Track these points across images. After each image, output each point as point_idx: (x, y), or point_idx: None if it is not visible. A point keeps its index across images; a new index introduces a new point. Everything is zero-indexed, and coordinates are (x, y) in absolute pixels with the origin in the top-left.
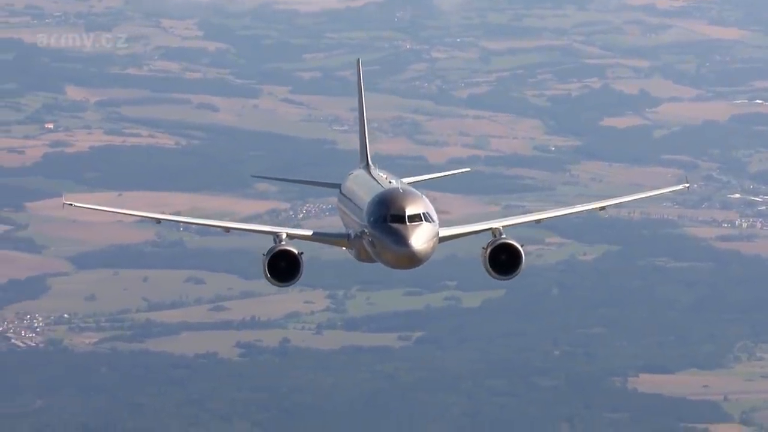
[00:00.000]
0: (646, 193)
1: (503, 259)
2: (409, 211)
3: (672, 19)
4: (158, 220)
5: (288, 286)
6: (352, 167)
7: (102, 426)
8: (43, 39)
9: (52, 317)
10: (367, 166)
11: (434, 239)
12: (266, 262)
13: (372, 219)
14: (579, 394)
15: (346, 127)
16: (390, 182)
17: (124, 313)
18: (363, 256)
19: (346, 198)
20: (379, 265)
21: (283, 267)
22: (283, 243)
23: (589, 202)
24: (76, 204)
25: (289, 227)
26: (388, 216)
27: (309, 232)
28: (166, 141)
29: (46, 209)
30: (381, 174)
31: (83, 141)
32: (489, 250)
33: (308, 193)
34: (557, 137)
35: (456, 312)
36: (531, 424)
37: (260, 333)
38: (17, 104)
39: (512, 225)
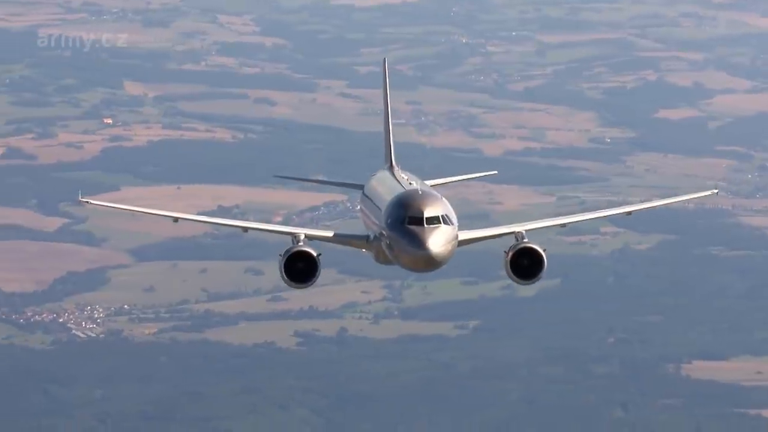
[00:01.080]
0: (673, 198)
1: (525, 263)
2: (428, 213)
3: (726, 12)
4: (175, 219)
5: (304, 287)
6: (403, 159)
7: (161, 414)
8: (101, 35)
9: (113, 308)
10: (390, 168)
11: (453, 242)
12: (283, 262)
13: (390, 221)
14: (633, 380)
15: (402, 120)
16: (411, 184)
17: (184, 304)
18: (381, 258)
19: (367, 199)
20: None
21: (301, 268)
22: (300, 244)
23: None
24: (92, 202)
25: (308, 228)
26: (406, 218)
27: (329, 233)
28: (224, 135)
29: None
30: (403, 175)
31: (141, 135)
32: (510, 254)
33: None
34: (612, 129)
35: (512, 301)
36: (586, 410)
37: (318, 323)
38: (76, 100)
39: (535, 229)
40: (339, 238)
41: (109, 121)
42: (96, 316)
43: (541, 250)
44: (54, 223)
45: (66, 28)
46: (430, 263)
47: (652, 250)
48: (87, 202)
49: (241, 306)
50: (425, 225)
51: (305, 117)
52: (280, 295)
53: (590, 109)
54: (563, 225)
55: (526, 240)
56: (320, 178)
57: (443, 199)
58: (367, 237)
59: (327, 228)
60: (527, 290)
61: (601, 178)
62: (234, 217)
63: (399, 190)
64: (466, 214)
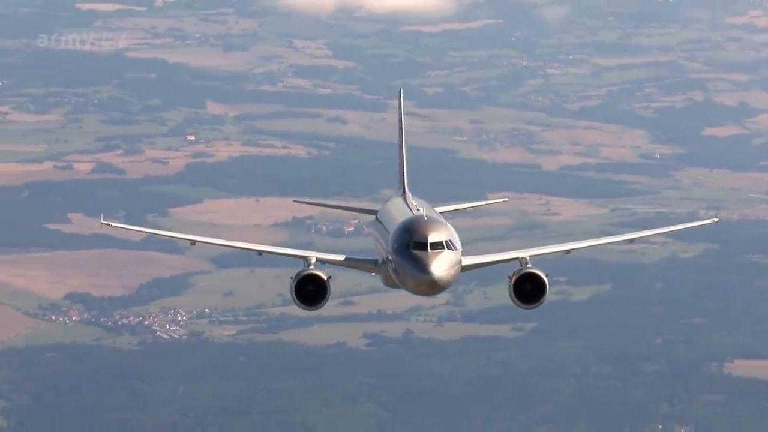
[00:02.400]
0: (674, 227)
1: (528, 288)
2: (432, 238)
3: None
4: (193, 242)
5: (314, 309)
6: (466, 174)
7: (240, 408)
8: (184, 59)
9: (194, 312)
10: (403, 194)
11: (456, 266)
12: (294, 285)
13: (396, 246)
14: (679, 378)
15: (465, 138)
16: (418, 210)
17: (261, 308)
18: (389, 282)
19: (379, 224)
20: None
21: (311, 291)
22: (311, 267)
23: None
24: (113, 224)
25: (320, 251)
26: (411, 243)
27: (340, 257)
28: (299, 151)
29: (188, 214)
30: (413, 202)
31: (222, 151)
32: (514, 279)
33: (430, 197)
34: (662, 146)
35: (566, 305)
36: (634, 405)
37: (385, 325)
38: (161, 119)
39: (539, 255)
40: (349, 262)
41: (192, 138)
42: (179, 318)
43: (543, 276)
44: (140, 233)
45: (152, 52)
46: (433, 287)
47: (698, 258)
48: (108, 224)
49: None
50: (429, 250)
51: (375, 135)
52: (351, 300)
53: (641, 127)
54: (568, 251)
55: (529, 266)
56: (359, 205)
57: (448, 225)
58: (376, 261)
59: (339, 252)
60: (581, 294)
61: (651, 191)
62: (308, 228)
63: (407, 216)
64: (524, 225)
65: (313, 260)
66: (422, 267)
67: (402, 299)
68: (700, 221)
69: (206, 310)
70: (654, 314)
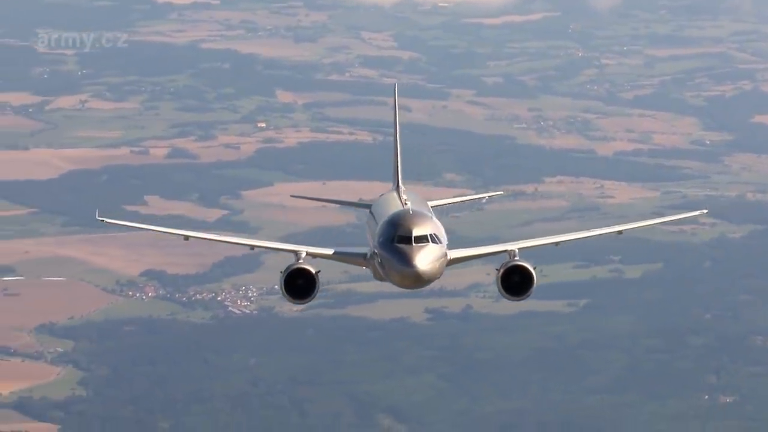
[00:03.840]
0: (664, 218)
1: (516, 280)
2: (416, 232)
3: None
4: (186, 237)
5: (303, 303)
6: (524, 159)
7: (308, 379)
8: (256, 50)
9: (265, 288)
10: (396, 188)
11: (440, 260)
12: (283, 279)
13: (381, 240)
14: (725, 351)
15: (524, 125)
16: (406, 204)
17: (328, 284)
18: (378, 276)
19: (371, 218)
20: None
21: (301, 284)
22: (301, 261)
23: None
24: (107, 220)
25: (310, 246)
26: (396, 236)
27: (329, 251)
28: (365, 137)
29: (259, 196)
30: (404, 196)
31: (291, 138)
32: (502, 272)
33: (490, 181)
34: (712, 132)
35: (619, 282)
36: (682, 377)
37: (446, 301)
38: (234, 106)
39: (528, 248)
40: (339, 256)
41: (263, 124)
42: (250, 295)
43: (531, 268)
44: (214, 214)
45: (225, 43)
46: (417, 280)
47: (745, 239)
48: (102, 220)
49: (378, 286)
50: (413, 243)
51: (437, 122)
52: None
53: (692, 114)
54: (557, 244)
55: (517, 258)
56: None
57: (434, 219)
58: (365, 255)
59: (328, 246)
60: (633, 273)
61: (701, 176)
62: None
63: (396, 210)
64: (580, 207)
65: (303, 254)
66: (406, 260)
67: (462, 276)
68: (690, 213)
69: (276, 287)
70: (702, 291)
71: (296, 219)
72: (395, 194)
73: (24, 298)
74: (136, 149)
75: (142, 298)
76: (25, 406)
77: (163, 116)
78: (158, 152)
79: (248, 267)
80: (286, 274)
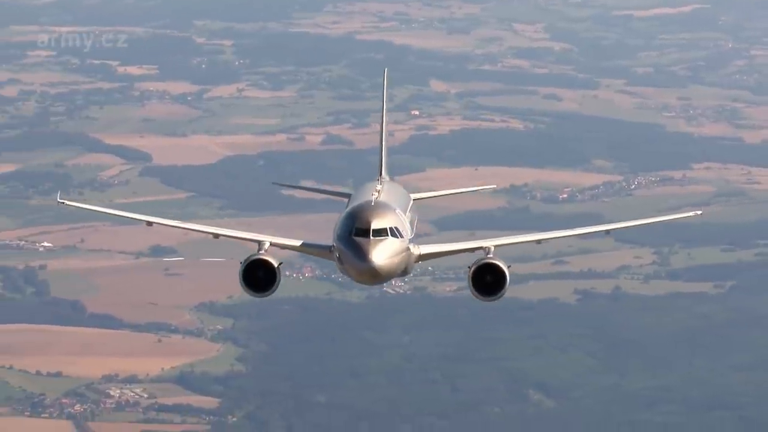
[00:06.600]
0: (654, 218)
1: (488, 279)
2: (375, 225)
3: None
4: (149, 223)
5: (262, 296)
6: (672, 146)
7: (460, 356)
8: (409, 41)
9: (418, 269)
10: (378, 179)
11: (400, 255)
12: (242, 270)
13: (339, 233)
14: None
15: (673, 114)
16: (373, 195)
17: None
18: (341, 269)
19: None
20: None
21: (260, 276)
22: (262, 252)
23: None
24: (67, 203)
25: (276, 236)
26: (353, 229)
27: (296, 242)
28: (517, 125)
29: (412, 181)
30: (378, 187)
31: (444, 125)
32: (473, 270)
33: (639, 167)
34: None
35: (765, 266)
36: None
37: (595, 282)
38: (388, 95)
39: (506, 245)
40: (305, 247)
41: (416, 113)
42: None
43: (504, 267)
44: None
45: (379, 35)
46: (374, 276)
47: None
48: (62, 203)
49: (529, 268)
50: (371, 237)
51: (587, 110)
52: (563, 259)
53: None
54: (538, 242)
55: (490, 255)
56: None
57: (397, 211)
58: (330, 247)
59: (295, 237)
60: None
61: None
62: (524, 195)
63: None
64: (726, 192)
65: (267, 245)
66: (362, 255)
67: (612, 259)
68: (684, 213)
69: (429, 268)
70: None
71: (448, 203)
72: (371, 185)
73: (184, 278)
74: (292, 136)
75: (300, 278)
76: (186, 381)
77: (319, 104)
78: (313, 139)
79: None
80: (244, 266)
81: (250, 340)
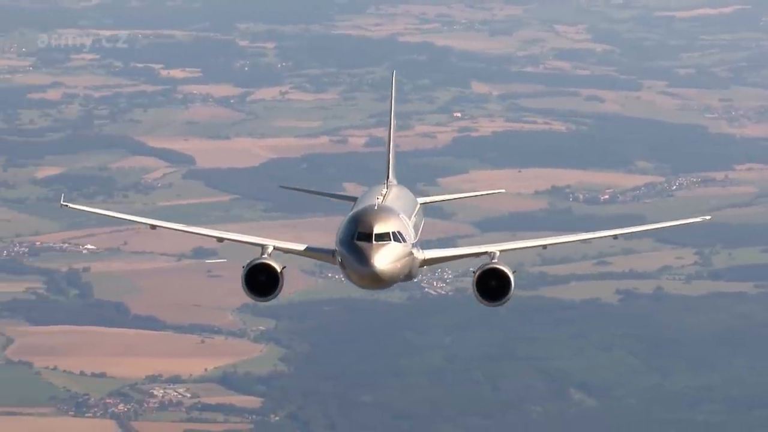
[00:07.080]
0: (663, 223)
1: (493, 284)
2: (377, 229)
3: None
4: (153, 227)
5: (264, 301)
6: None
7: (502, 355)
8: (451, 43)
9: (460, 270)
10: (385, 182)
11: (403, 260)
12: (244, 274)
13: (341, 237)
14: None
15: (715, 115)
16: (377, 198)
17: (521, 266)
18: (345, 275)
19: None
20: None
21: (263, 281)
22: (265, 256)
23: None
24: (70, 205)
25: (280, 240)
26: (356, 233)
27: (300, 247)
28: (559, 127)
29: (455, 183)
30: (384, 191)
31: (486, 127)
32: (477, 274)
33: (680, 168)
34: None
35: None
36: None
37: (637, 282)
38: (430, 97)
39: (511, 250)
40: (308, 252)
41: (459, 114)
42: (446, 277)
43: (509, 272)
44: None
45: (422, 36)
46: (376, 280)
47: None
48: (66, 205)
49: (571, 269)
50: (373, 241)
51: (630, 112)
52: (605, 260)
53: None
54: (544, 246)
55: (495, 261)
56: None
57: (401, 215)
58: (333, 252)
59: (301, 241)
60: None
61: None
62: (566, 196)
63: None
64: (767, 193)
65: (270, 249)
66: (364, 259)
67: (653, 260)
68: (691, 219)
69: (471, 269)
70: None
71: (491, 205)
72: (376, 189)
73: (227, 279)
74: (334, 138)
75: (341, 280)
76: (229, 381)
77: (361, 107)
78: (356, 141)
79: None
80: (247, 270)
81: (293, 341)
